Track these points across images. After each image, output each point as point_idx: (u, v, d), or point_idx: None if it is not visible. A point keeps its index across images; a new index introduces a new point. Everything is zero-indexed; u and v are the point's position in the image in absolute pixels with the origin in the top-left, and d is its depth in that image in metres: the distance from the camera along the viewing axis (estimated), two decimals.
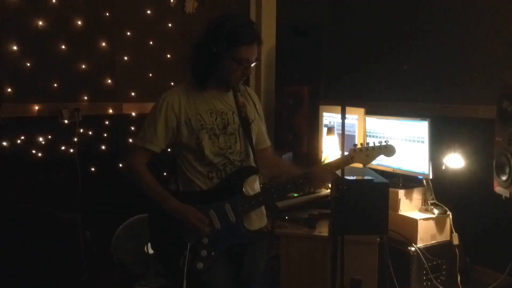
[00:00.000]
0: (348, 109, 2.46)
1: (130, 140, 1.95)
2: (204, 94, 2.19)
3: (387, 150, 2.24)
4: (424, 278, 3.01)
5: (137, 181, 2.14)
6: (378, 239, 2.64)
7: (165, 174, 3.10)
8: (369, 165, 3.31)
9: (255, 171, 2.23)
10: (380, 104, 3.84)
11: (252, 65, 2.16)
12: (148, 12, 3.85)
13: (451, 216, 3.11)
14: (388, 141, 2.23)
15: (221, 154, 2.16)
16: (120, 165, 2.08)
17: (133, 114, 3.84)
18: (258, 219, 2.23)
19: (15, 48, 3.36)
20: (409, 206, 3.15)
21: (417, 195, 3.18)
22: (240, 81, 2.21)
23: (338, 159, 2.24)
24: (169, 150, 2.28)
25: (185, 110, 2.14)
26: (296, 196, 2.96)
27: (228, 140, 2.18)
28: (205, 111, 2.17)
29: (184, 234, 2.06)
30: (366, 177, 2.49)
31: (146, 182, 2.14)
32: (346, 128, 2.37)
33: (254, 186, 2.24)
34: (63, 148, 3.56)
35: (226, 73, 2.13)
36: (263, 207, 2.26)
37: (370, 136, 3.36)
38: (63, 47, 3.52)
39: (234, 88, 2.22)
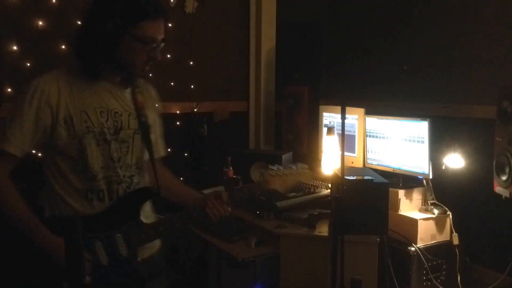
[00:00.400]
0: (348, 109, 2.46)
1: None
2: (93, 87, 1.73)
3: None
4: (424, 278, 3.01)
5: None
6: (378, 239, 2.64)
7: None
8: (369, 165, 3.35)
9: (154, 193, 1.82)
10: (380, 104, 3.84)
11: (160, 46, 1.74)
12: None
13: (451, 216, 3.10)
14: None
15: (110, 167, 1.73)
16: None
17: None
18: (150, 245, 1.84)
19: (15, 48, 3.36)
20: (409, 206, 3.15)
21: (417, 195, 3.18)
22: (146, 68, 1.75)
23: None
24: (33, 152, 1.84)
25: (66, 105, 1.67)
26: (296, 196, 2.96)
27: (119, 148, 1.76)
28: (93, 109, 1.72)
29: (59, 273, 1.65)
30: (366, 177, 2.49)
31: (10, 202, 1.68)
32: (346, 128, 2.37)
33: (147, 211, 1.86)
34: None
35: (127, 56, 1.69)
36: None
37: (370, 136, 3.36)
38: (63, 47, 3.52)
39: (139, 75, 1.78)
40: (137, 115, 1.82)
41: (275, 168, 2.10)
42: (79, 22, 1.83)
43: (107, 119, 1.74)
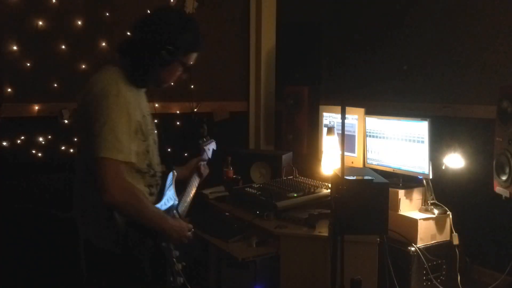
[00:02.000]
0: (348, 109, 2.46)
1: (103, 156, 1.78)
2: (139, 92, 1.98)
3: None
4: (424, 278, 3.01)
5: (136, 207, 1.78)
6: (378, 239, 2.64)
7: None
8: (369, 165, 3.34)
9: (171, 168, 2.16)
10: (380, 104, 3.85)
11: None
12: (148, 12, 3.84)
13: (451, 216, 3.11)
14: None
15: (159, 163, 2.01)
16: (107, 197, 1.70)
17: None
18: None
19: (15, 48, 3.36)
20: (409, 206, 3.15)
21: (417, 195, 3.18)
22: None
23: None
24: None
25: (135, 109, 1.86)
26: (296, 196, 2.96)
27: (156, 146, 2.05)
28: (147, 113, 1.99)
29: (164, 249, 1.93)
30: (366, 177, 2.48)
31: (146, 203, 1.83)
32: (346, 128, 2.37)
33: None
34: (63, 148, 3.55)
35: (168, 75, 1.97)
36: None
37: (370, 136, 3.36)
38: (63, 47, 3.52)
39: (163, 88, 2.05)
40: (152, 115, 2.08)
41: None
42: (135, 32, 1.97)
43: (151, 121, 2.01)
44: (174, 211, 2.11)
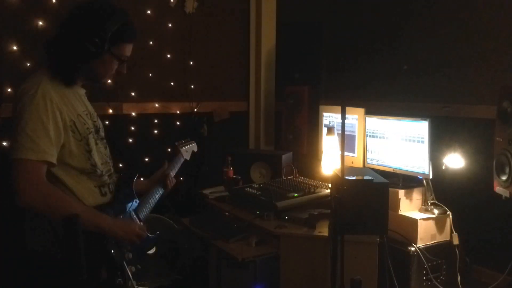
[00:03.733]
0: (348, 109, 2.46)
1: (14, 158, 1.71)
2: (71, 92, 1.89)
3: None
4: (424, 278, 3.01)
5: (51, 205, 1.71)
6: (378, 239, 2.64)
7: None
8: (369, 165, 3.34)
9: (135, 174, 2.12)
10: (380, 104, 3.85)
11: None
12: (148, 12, 3.85)
13: (451, 216, 3.11)
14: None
15: (104, 162, 1.96)
16: (18, 198, 1.70)
17: (133, 114, 3.84)
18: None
19: (15, 48, 3.36)
20: (409, 206, 3.15)
21: (417, 195, 3.18)
22: (110, 79, 2.02)
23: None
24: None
25: (66, 110, 1.80)
26: (296, 196, 2.96)
27: (103, 145, 1.98)
28: (82, 112, 1.91)
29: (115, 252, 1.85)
30: (366, 177, 2.48)
31: (65, 202, 1.74)
32: (346, 128, 2.37)
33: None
34: None
35: (101, 69, 1.89)
36: None
37: (370, 136, 3.36)
38: None
39: (103, 84, 2.03)
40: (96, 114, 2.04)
41: None
42: (62, 26, 1.88)
43: (91, 120, 1.95)
44: (132, 213, 2.05)
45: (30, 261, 1.87)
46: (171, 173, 2.40)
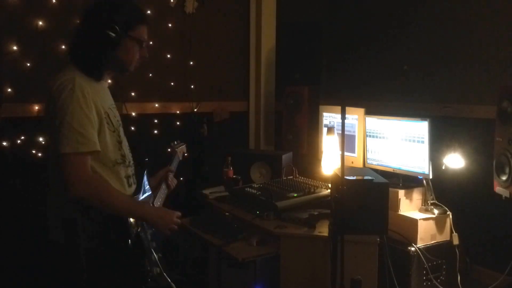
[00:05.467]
0: (348, 109, 2.46)
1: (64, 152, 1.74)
2: (100, 86, 1.96)
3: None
4: (424, 278, 3.01)
5: (102, 197, 1.79)
6: (378, 239, 2.64)
7: None
8: (369, 165, 3.34)
9: (148, 165, 2.22)
10: (380, 104, 3.85)
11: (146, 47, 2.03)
12: (148, 12, 3.85)
13: (451, 216, 3.11)
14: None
15: (129, 153, 2.04)
16: (72, 192, 1.73)
17: (133, 114, 3.84)
18: None
19: (15, 48, 3.36)
20: (409, 206, 3.15)
21: (417, 195, 3.18)
22: (136, 65, 2.03)
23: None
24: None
25: (100, 103, 1.88)
26: (296, 196, 2.96)
27: (125, 137, 2.05)
28: (112, 105, 2.00)
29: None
30: (366, 177, 2.48)
31: (113, 193, 1.83)
32: (346, 128, 2.37)
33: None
34: None
35: (127, 56, 1.95)
36: None
37: (370, 136, 3.36)
38: (63, 47, 3.52)
39: (130, 72, 2.03)
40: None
41: None
42: (78, 27, 1.97)
43: (117, 113, 2.02)
44: (151, 204, 2.12)
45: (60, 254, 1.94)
46: (171, 173, 2.44)
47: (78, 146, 1.74)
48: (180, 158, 2.66)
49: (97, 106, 1.84)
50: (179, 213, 2.05)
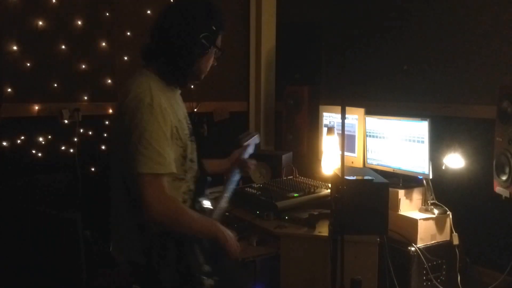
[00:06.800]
0: (348, 109, 2.45)
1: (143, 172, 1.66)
2: (175, 94, 1.87)
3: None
4: (424, 278, 3.01)
5: (180, 220, 1.71)
6: (378, 239, 2.64)
7: None
8: (369, 165, 3.34)
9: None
10: (380, 104, 3.84)
11: None
12: (148, 12, 3.85)
13: (451, 216, 3.11)
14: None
15: (194, 166, 1.90)
16: (150, 214, 1.65)
17: None
18: None
19: (15, 48, 3.36)
20: (409, 206, 3.15)
21: (417, 195, 3.18)
22: None
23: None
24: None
25: (172, 116, 1.76)
26: (296, 196, 2.96)
27: (194, 147, 1.91)
28: (183, 117, 1.87)
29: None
30: (366, 177, 2.48)
31: (188, 213, 1.75)
32: (346, 128, 2.36)
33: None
34: (63, 148, 3.56)
35: (206, 65, 1.85)
36: None
37: (370, 136, 3.36)
38: (63, 47, 3.52)
39: (201, 80, 1.91)
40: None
41: None
42: (162, 29, 1.84)
43: (187, 124, 1.88)
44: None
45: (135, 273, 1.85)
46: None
47: (156, 166, 1.65)
48: (251, 152, 2.54)
49: (172, 122, 1.74)
50: (235, 234, 1.95)
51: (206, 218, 1.85)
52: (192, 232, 1.76)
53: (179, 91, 1.94)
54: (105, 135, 3.70)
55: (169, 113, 1.73)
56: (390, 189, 2.75)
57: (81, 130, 3.61)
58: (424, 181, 3.13)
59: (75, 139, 3.58)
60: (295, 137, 4.11)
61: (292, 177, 3.38)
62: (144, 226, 1.75)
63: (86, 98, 3.64)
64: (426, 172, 3.04)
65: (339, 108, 2.37)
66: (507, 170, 2.61)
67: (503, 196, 2.66)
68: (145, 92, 1.70)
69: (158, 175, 1.65)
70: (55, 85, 3.52)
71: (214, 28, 1.80)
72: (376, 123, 3.33)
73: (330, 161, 2.86)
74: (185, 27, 1.77)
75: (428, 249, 3.01)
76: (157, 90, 1.74)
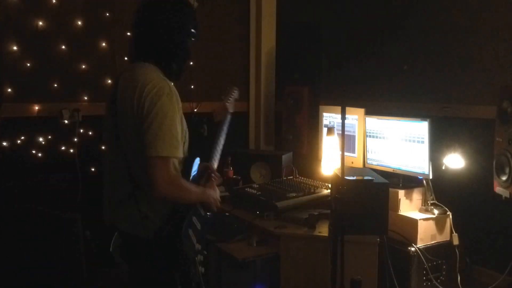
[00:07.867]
0: (348, 109, 2.46)
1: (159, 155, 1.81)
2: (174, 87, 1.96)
3: None
4: (424, 278, 3.01)
5: (183, 195, 1.90)
6: (378, 239, 2.64)
7: None
8: (369, 165, 3.34)
9: None
10: (380, 104, 3.84)
11: None
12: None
13: (451, 216, 3.11)
14: None
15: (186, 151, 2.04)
16: (158, 192, 1.79)
17: None
18: None
19: (15, 48, 3.36)
20: (409, 206, 3.15)
21: (417, 195, 3.18)
22: None
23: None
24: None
25: (179, 104, 1.93)
26: (296, 196, 2.96)
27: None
28: (182, 112, 2.00)
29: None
30: (366, 177, 2.48)
31: (188, 187, 1.93)
32: (346, 128, 2.36)
33: None
34: (63, 148, 3.56)
35: (190, 54, 2.01)
36: None
37: (370, 136, 3.36)
38: (63, 47, 3.52)
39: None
40: None
41: None
42: (154, 23, 1.92)
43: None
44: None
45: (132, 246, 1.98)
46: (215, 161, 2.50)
47: (174, 150, 1.80)
48: (231, 111, 2.68)
49: (180, 109, 1.91)
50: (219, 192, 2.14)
51: (198, 188, 2.03)
52: (188, 202, 1.95)
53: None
54: None
55: (179, 101, 1.90)
56: (390, 189, 2.75)
57: (81, 130, 3.62)
58: (424, 181, 3.13)
59: (75, 139, 3.58)
60: (295, 137, 4.11)
61: (292, 177, 3.39)
62: (140, 200, 1.87)
63: (86, 98, 3.64)
64: (426, 172, 3.04)
65: (339, 108, 2.37)
66: (507, 170, 2.61)
67: (503, 196, 2.66)
68: (163, 84, 1.84)
69: (172, 158, 1.81)
70: (55, 85, 3.52)
71: (191, 19, 1.96)
72: (376, 123, 3.33)
73: (330, 161, 2.87)
74: (177, 19, 1.92)
75: (428, 249, 3.01)
76: (167, 81, 1.88)
